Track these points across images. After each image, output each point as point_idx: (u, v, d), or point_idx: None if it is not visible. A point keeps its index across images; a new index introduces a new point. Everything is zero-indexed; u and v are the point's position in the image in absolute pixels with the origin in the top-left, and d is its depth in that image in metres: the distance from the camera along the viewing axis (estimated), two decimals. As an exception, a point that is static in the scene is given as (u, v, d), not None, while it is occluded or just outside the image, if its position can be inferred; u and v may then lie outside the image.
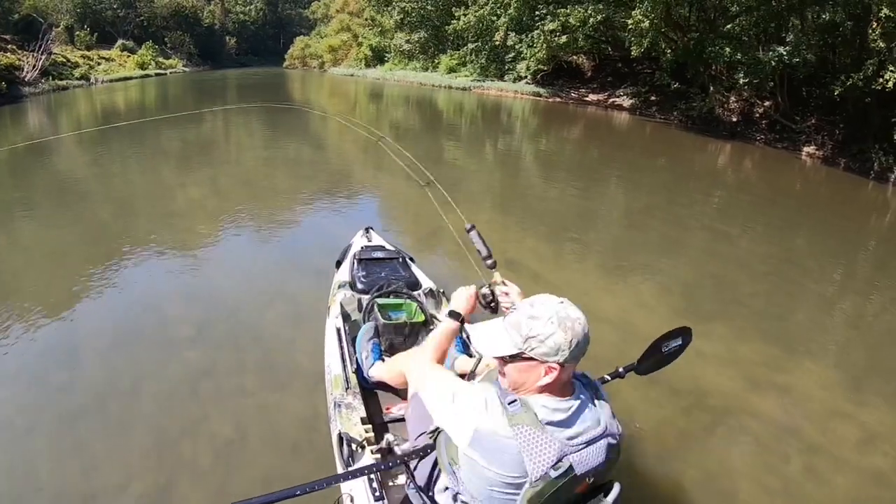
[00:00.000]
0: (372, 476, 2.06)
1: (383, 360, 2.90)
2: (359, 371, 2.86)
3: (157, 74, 44.97)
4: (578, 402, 1.55)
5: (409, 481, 1.93)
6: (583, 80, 23.39)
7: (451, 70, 29.84)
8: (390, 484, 2.20)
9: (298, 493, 1.67)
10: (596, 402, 1.60)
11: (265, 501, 1.61)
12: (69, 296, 4.73)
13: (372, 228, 4.62)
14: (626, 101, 20.12)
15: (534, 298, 1.59)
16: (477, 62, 27.38)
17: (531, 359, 1.50)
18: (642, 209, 8.27)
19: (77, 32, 45.51)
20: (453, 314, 2.07)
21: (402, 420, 2.49)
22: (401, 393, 2.67)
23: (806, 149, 12.81)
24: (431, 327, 3.26)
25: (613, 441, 1.56)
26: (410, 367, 2.50)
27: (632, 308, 4.75)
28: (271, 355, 3.86)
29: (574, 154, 13.23)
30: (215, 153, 12.19)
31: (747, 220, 8.02)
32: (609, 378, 2.33)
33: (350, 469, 2.01)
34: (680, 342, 2.45)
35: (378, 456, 2.26)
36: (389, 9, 34.79)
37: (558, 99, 22.58)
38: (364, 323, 3.21)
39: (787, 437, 3.31)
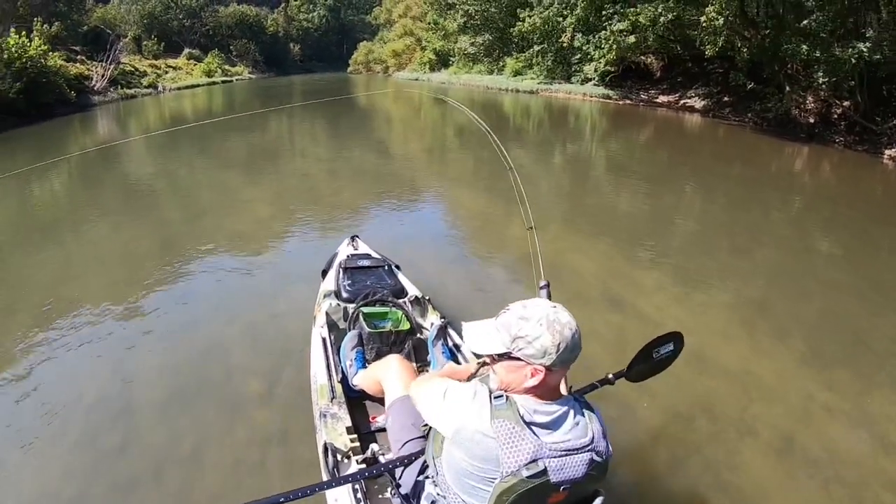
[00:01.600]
0: (357, 486, 2.14)
1: (366, 368, 2.97)
2: (344, 380, 2.95)
3: (223, 81, 47.44)
4: (564, 409, 1.62)
5: (393, 490, 2.04)
6: (652, 81, 23.37)
7: (517, 73, 30.23)
8: (375, 492, 2.26)
9: (282, 500, 1.73)
10: (586, 414, 1.66)
11: None
12: (123, 331, 4.66)
13: (358, 237, 4.70)
14: (698, 103, 20.05)
15: (527, 301, 1.67)
16: (543, 64, 27.63)
17: (519, 359, 1.60)
18: (728, 225, 7.89)
19: (144, 42, 48.28)
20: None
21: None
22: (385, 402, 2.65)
23: (888, 151, 12.59)
24: (417, 335, 3.38)
25: (598, 459, 1.61)
26: (387, 376, 2.57)
27: (751, 356, 4.33)
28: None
29: (646, 159, 13.36)
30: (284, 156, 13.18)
31: (845, 237, 7.53)
32: (598, 385, 2.43)
33: (335, 477, 2.13)
34: (671, 347, 2.52)
35: (363, 465, 2.31)
36: (452, 12, 35.57)
37: (628, 101, 22.64)
38: (349, 332, 3.29)
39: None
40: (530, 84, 27.97)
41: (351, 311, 3.47)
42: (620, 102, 22.73)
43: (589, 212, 8.50)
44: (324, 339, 3.31)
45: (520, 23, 27.22)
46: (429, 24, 41.54)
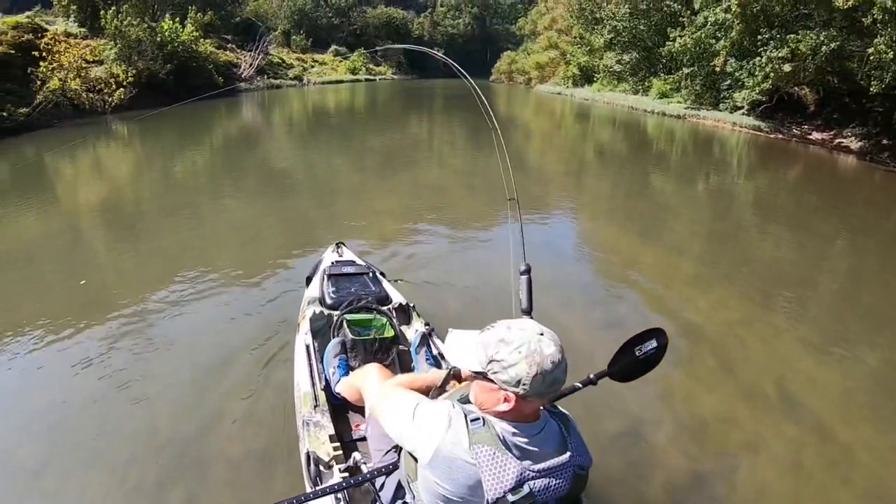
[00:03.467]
0: (339, 495, 2.18)
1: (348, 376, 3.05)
2: (328, 388, 3.04)
3: (366, 80, 49.93)
4: (542, 427, 1.65)
5: (375, 500, 2.11)
6: (805, 115, 22.39)
7: (663, 95, 29.87)
8: (358, 501, 2.31)
9: None
10: (562, 428, 1.70)
11: None
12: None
13: (343, 244, 4.84)
14: (854, 143, 19.02)
15: (515, 322, 1.66)
16: (692, 88, 27.11)
17: (493, 381, 1.60)
18: (877, 286, 7.22)
19: (293, 37, 51.92)
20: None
21: None
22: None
23: None
24: (401, 343, 3.51)
25: (581, 471, 1.66)
26: (366, 384, 2.57)
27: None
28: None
29: (792, 201, 12.74)
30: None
31: None
32: (581, 386, 2.47)
33: (317, 488, 2.14)
34: (655, 344, 2.53)
35: (346, 474, 2.39)
36: (599, 27, 35.67)
37: (779, 135, 21.80)
38: (333, 339, 3.37)
39: None
40: (677, 108, 27.56)
41: (335, 318, 3.56)
42: (771, 136, 21.95)
43: (723, 250, 8.36)
44: (307, 347, 3.39)
45: (669, 43, 26.83)
46: (574, 38, 41.85)
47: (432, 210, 9.27)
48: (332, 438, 2.63)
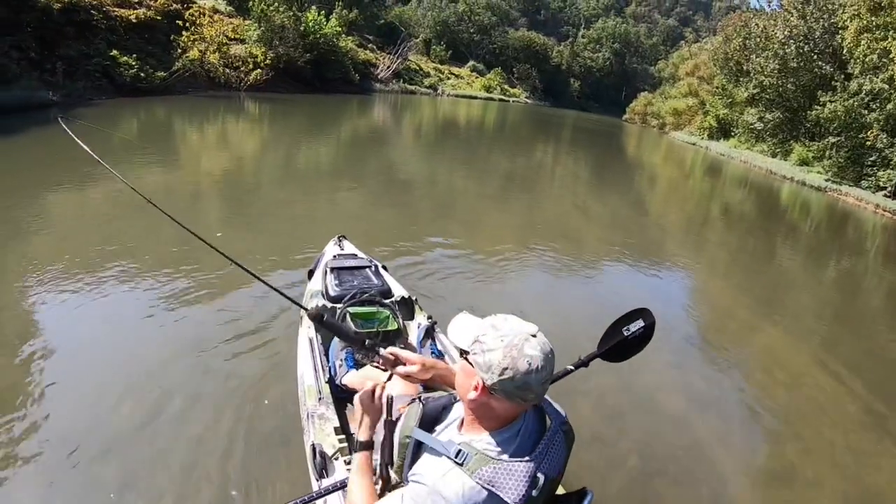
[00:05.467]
0: (342, 493, 2.15)
1: (357, 368, 3.07)
2: (332, 381, 3.04)
3: (500, 100, 50.57)
4: (521, 422, 1.64)
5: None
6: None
7: (803, 162, 28.27)
8: None
9: None
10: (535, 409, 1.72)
11: None
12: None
13: (345, 237, 4.85)
14: None
15: (514, 318, 1.65)
16: (835, 159, 25.45)
17: (471, 364, 1.61)
18: None
19: (433, 46, 53.33)
20: (360, 445, 1.97)
21: None
22: None
23: None
24: (405, 335, 3.59)
25: (566, 426, 1.70)
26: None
27: None
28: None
29: None
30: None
31: None
32: (573, 368, 2.58)
33: (323, 487, 2.16)
34: (642, 324, 2.59)
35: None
36: (744, 80, 34.43)
37: (926, 226, 20.17)
38: None
39: None
40: (817, 178, 25.72)
41: (338, 311, 3.56)
42: (916, 225, 20.34)
43: (849, 340, 7.50)
44: (310, 340, 3.42)
45: (818, 107, 25.57)
46: (716, 88, 40.76)
47: (545, 240, 9.15)
48: (336, 431, 2.65)
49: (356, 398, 2.04)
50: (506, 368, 1.51)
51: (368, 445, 1.96)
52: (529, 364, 1.51)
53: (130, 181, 2.63)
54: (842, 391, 5.71)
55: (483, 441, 1.59)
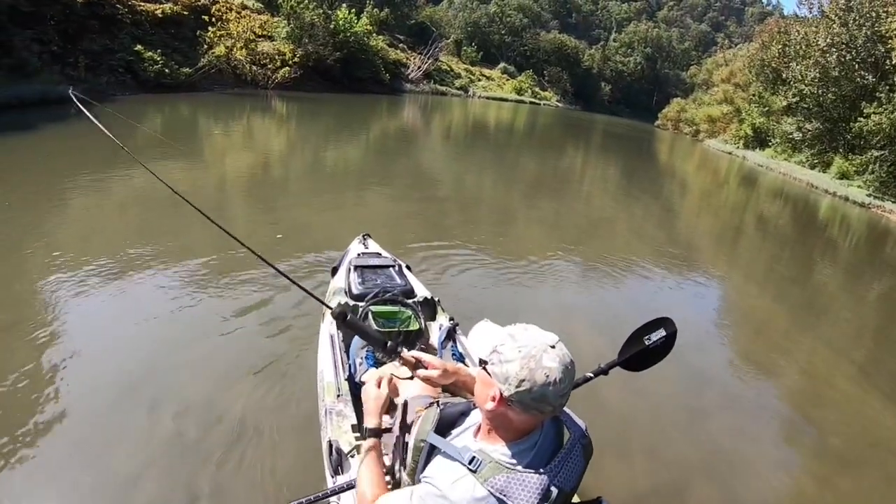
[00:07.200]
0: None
1: (377, 367, 3.04)
2: (351, 378, 3.06)
3: (530, 103, 50.47)
4: (541, 435, 1.62)
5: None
6: None
7: (844, 175, 27.19)
8: None
9: None
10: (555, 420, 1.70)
11: None
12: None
13: (369, 235, 4.88)
14: None
15: (535, 328, 1.62)
16: (878, 174, 24.55)
17: (489, 374, 1.59)
18: None
19: (464, 48, 53.28)
20: (369, 432, 2.02)
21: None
22: (393, 402, 2.58)
23: None
24: (426, 336, 3.55)
25: (585, 440, 1.68)
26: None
27: None
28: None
29: None
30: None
31: None
32: (592, 375, 2.59)
33: (338, 483, 2.20)
34: (664, 333, 2.55)
35: None
36: (783, 88, 33.55)
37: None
38: None
39: None
40: (858, 193, 24.70)
41: (361, 309, 3.57)
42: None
43: (892, 361, 7.08)
44: (331, 336, 3.44)
45: (862, 119, 24.74)
46: (752, 95, 39.94)
47: (572, 246, 9.16)
48: (354, 428, 2.67)
49: (364, 387, 2.11)
50: (523, 380, 1.49)
51: (377, 432, 2.00)
52: (547, 376, 1.49)
53: (156, 176, 2.57)
54: (887, 414, 5.43)
55: (498, 451, 1.59)
